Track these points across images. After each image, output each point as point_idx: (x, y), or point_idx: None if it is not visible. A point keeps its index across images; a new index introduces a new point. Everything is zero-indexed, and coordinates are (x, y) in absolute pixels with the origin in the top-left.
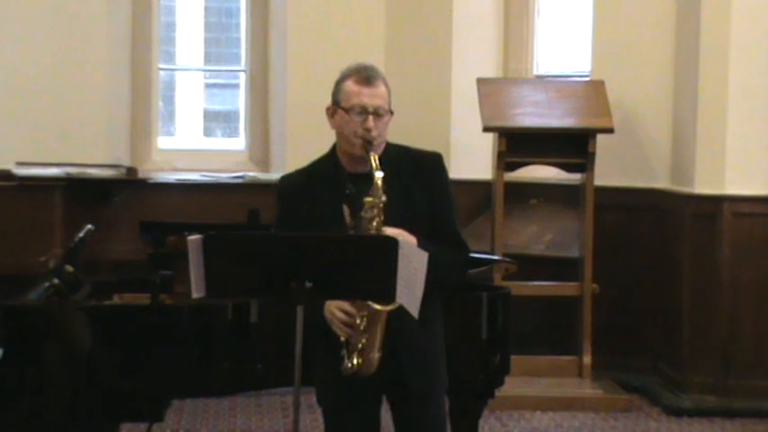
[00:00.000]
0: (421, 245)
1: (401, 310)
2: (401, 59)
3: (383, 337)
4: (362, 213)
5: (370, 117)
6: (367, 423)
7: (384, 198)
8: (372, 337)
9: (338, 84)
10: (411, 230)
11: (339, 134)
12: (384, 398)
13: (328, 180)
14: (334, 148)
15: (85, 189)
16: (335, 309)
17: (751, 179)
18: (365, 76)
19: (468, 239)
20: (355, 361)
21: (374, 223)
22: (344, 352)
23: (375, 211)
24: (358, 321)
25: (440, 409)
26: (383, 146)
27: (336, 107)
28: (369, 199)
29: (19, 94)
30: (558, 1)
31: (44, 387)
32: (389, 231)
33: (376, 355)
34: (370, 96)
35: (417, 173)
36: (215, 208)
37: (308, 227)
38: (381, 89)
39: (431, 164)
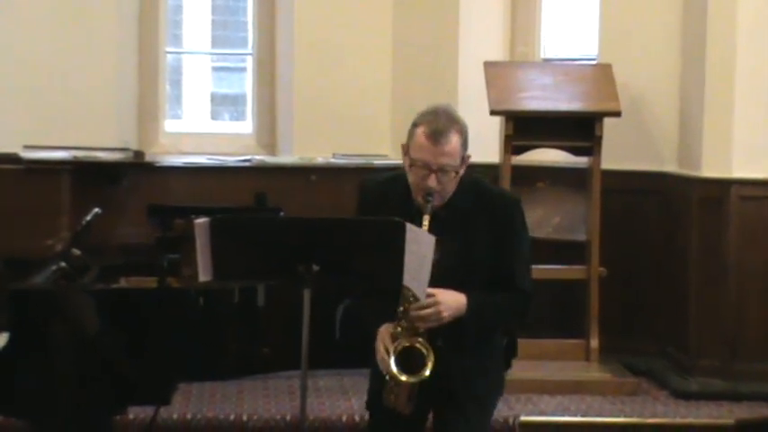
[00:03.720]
0: (471, 300)
1: (458, 352)
2: (408, 43)
3: (413, 395)
4: None
5: (433, 175)
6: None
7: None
8: (406, 391)
9: (412, 127)
10: (467, 276)
11: (407, 174)
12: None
13: (400, 205)
14: None
15: (93, 172)
16: (380, 342)
17: (758, 162)
18: (435, 130)
19: None
20: (392, 399)
21: None
22: (387, 385)
23: None
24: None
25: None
26: (450, 193)
27: (408, 149)
28: None
29: (26, 78)
30: None
31: (51, 370)
32: (431, 291)
33: (410, 404)
34: (435, 155)
35: (486, 216)
36: (222, 191)
37: None
38: (450, 146)
39: (503, 208)
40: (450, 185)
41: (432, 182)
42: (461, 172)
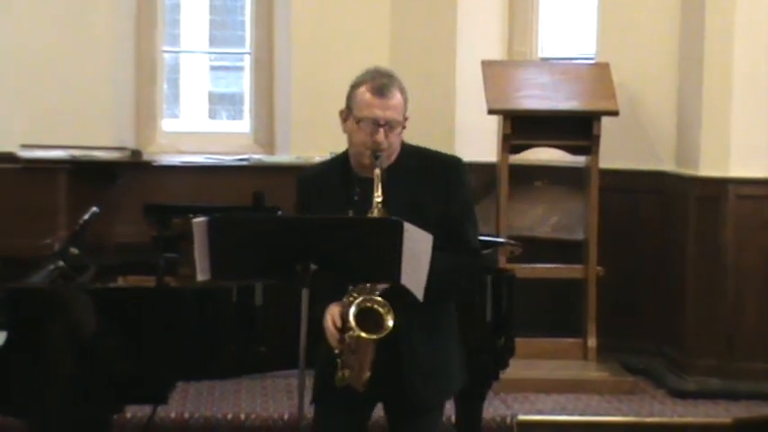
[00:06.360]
0: None
1: (406, 318)
2: (406, 42)
3: (373, 360)
4: None
5: (381, 130)
6: (356, 427)
7: None
8: (361, 359)
9: (352, 89)
10: None
11: (349, 140)
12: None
13: (339, 182)
14: (348, 150)
15: (90, 171)
16: (330, 318)
17: (755, 161)
18: (379, 85)
19: None
20: (347, 374)
21: None
22: (339, 361)
23: None
24: (348, 339)
25: (436, 423)
26: (395, 154)
27: (349, 113)
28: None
29: (24, 77)
30: None
31: (48, 370)
32: None
33: (365, 374)
34: (382, 108)
35: (431, 178)
36: (220, 190)
37: None
38: (395, 100)
39: (446, 169)
40: (396, 143)
41: (381, 137)
42: (404, 131)
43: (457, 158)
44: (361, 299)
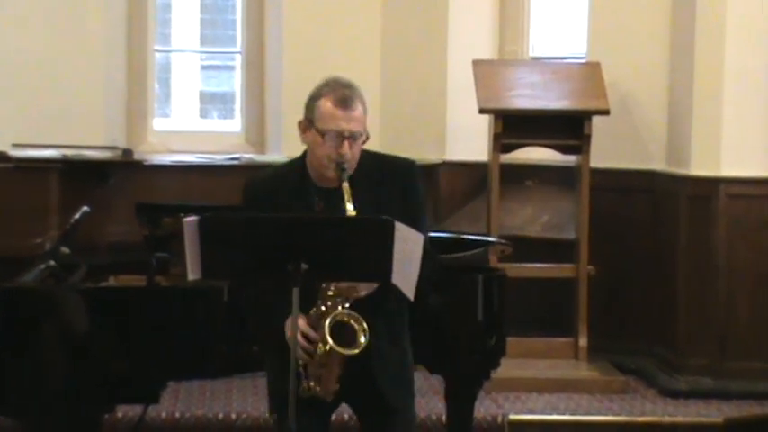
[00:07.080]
0: None
1: (373, 324)
2: (397, 42)
3: (342, 373)
4: None
5: (346, 142)
6: (321, 427)
7: None
8: (330, 372)
9: (313, 100)
10: None
11: (311, 152)
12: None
13: (295, 192)
14: (304, 157)
15: (81, 171)
16: (299, 332)
17: (746, 161)
18: (342, 97)
19: (464, 221)
20: (313, 386)
21: None
22: (303, 373)
23: None
24: (319, 351)
25: (412, 424)
26: (356, 163)
27: (309, 124)
28: None
29: (15, 76)
30: None
31: (40, 369)
32: None
33: (333, 386)
34: (346, 121)
35: (389, 182)
36: (211, 190)
37: None
38: (358, 111)
39: (403, 172)
40: (358, 154)
41: (345, 149)
42: (366, 142)
43: (411, 161)
44: (335, 312)
